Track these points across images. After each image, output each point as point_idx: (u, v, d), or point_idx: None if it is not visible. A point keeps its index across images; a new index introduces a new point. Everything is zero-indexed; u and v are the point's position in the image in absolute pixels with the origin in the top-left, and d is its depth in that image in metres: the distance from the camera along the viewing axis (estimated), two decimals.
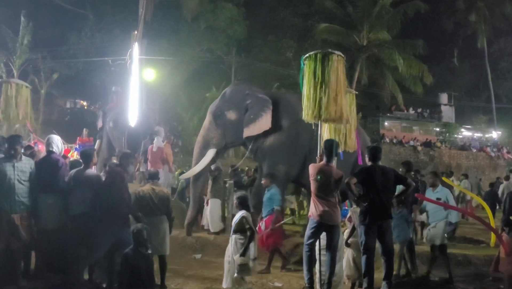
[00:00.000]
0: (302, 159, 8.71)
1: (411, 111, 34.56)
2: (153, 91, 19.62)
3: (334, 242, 5.49)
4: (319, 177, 5.41)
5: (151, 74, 18.04)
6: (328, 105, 5.60)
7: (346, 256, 5.98)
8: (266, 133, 8.63)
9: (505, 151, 32.01)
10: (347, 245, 5.94)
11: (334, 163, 5.65)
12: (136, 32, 6.35)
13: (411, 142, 30.23)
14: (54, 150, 5.80)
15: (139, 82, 9.88)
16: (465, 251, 8.68)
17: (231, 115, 8.74)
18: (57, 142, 5.88)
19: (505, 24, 36.50)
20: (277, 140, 8.70)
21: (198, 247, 8.47)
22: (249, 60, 24.92)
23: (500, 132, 37.31)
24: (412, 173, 8.29)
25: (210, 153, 8.79)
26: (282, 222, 7.20)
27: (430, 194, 7.07)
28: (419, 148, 29.70)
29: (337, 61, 5.77)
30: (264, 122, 8.49)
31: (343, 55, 5.93)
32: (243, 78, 25.24)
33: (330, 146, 5.57)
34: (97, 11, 23.24)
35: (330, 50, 5.86)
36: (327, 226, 5.44)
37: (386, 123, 33.69)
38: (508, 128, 36.47)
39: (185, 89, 22.33)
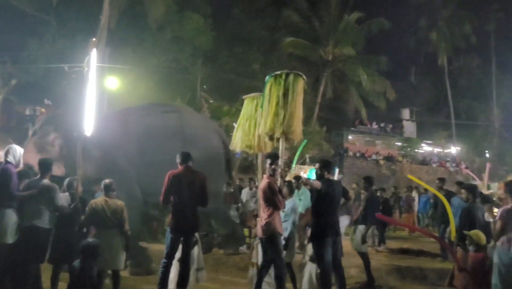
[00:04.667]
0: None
1: (374, 125, 35.27)
2: (117, 100, 19.29)
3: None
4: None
5: (114, 82, 17.74)
6: (297, 123, 5.79)
7: (309, 271, 5.97)
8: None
9: (463, 166, 33.00)
10: (312, 260, 5.93)
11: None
12: (94, 39, 6.20)
13: (374, 156, 30.79)
14: (10, 160, 5.69)
15: (99, 91, 9.63)
16: (422, 264, 8.85)
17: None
18: (14, 152, 5.75)
19: (464, 43, 37.87)
20: (94, 172, 7.74)
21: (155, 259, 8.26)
22: (215, 71, 24.87)
23: (459, 148, 38.48)
24: (374, 188, 8.40)
25: None
26: None
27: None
28: (381, 162, 30.31)
29: (303, 83, 5.97)
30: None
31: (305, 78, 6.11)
32: (209, 89, 25.18)
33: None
34: (60, 17, 22.73)
35: (299, 72, 6.02)
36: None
37: (350, 137, 34.23)
38: (467, 144, 37.64)
39: (150, 99, 22.00)
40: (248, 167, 20.56)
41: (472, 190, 6.67)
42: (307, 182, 5.92)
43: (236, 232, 9.05)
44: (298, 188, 7.58)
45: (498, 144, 36.28)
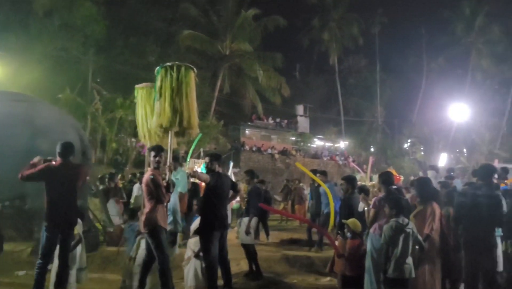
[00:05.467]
0: None
1: (271, 120, 36.20)
2: None
3: None
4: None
5: None
6: (194, 118, 5.73)
7: (194, 266, 5.97)
8: None
9: (350, 159, 35.16)
10: (197, 256, 5.93)
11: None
12: None
13: (269, 151, 31.66)
14: None
15: None
16: (309, 253, 9.32)
17: None
18: None
19: (353, 44, 40.33)
20: None
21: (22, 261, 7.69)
22: (109, 62, 23.84)
23: (347, 143, 40.97)
24: (256, 180, 8.59)
25: None
26: None
27: None
28: (277, 156, 31.26)
29: (195, 76, 5.92)
30: None
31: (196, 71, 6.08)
32: (102, 80, 24.11)
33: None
34: None
35: (189, 65, 5.98)
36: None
37: (247, 132, 34.80)
38: (354, 139, 40.24)
39: (35, 89, 20.49)
40: (142, 161, 20.06)
41: (351, 181, 7.11)
42: (194, 175, 5.91)
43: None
44: (175, 168, 7.55)
45: (381, 139, 39.31)
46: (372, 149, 39.31)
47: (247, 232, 7.29)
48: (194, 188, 9.44)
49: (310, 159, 33.28)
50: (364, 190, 6.77)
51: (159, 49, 25.49)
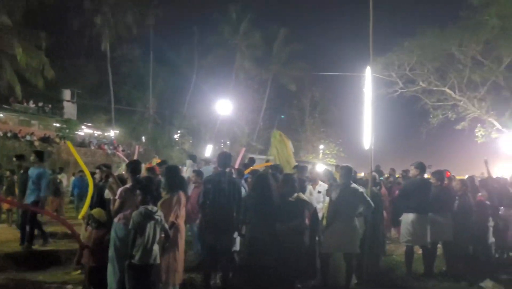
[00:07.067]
0: None
1: (31, 104, 33.07)
2: None
3: None
4: None
5: None
6: None
7: None
8: None
9: (120, 148, 34.69)
10: None
11: None
12: None
13: (28, 137, 28.86)
14: None
15: None
16: (61, 247, 8.88)
17: None
18: None
19: (127, 33, 39.54)
20: None
21: None
22: None
23: (117, 132, 40.25)
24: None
25: None
26: None
27: None
28: (37, 143, 28.66)
29: None
30: None
31: None
32: None
33: None
34: None
35: None
36: None
37: (1, 115, 31.08)
38: (125, 128, 39.78)
39: None
40: None
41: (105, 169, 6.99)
42: None
43: None
44: None
45: (152, 129, 39.85)
46: (143, 139, 39.50)
47: None
48: None
49: (77, 147, 31.51)
50: (122, 179, 6.63)
51: None
